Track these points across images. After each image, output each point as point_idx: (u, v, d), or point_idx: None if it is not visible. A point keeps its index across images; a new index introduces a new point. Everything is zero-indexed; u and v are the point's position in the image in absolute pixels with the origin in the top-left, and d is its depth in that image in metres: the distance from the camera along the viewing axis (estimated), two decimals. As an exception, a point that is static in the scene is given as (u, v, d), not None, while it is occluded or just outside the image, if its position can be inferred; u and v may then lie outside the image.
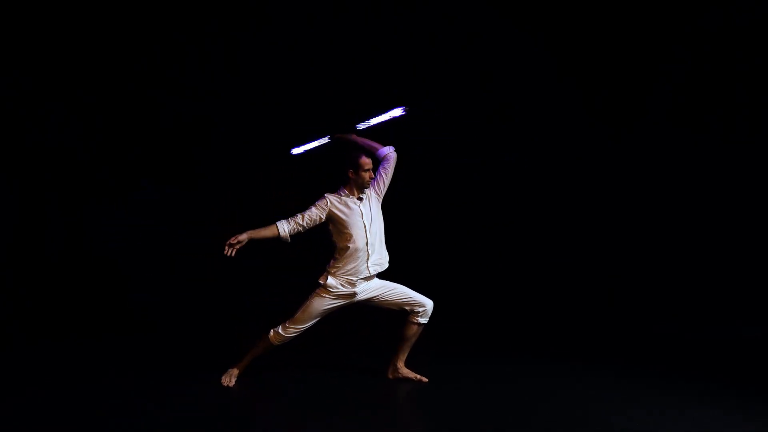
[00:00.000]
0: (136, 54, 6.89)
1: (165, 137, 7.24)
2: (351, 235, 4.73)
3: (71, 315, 6.90)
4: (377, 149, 4.90)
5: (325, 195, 4.83)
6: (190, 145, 7.34)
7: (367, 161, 4.78)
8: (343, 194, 4.83)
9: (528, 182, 7.98)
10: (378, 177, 4.87)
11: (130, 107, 7.00)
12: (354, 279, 4.77)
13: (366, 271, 4.78)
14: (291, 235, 4.72)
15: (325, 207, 4.78)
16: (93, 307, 7.05)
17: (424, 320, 4.88)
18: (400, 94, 5.71)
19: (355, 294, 4.80)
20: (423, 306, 4.86)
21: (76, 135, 6.97)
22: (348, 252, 4.74)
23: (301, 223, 4.72)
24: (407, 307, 4.86)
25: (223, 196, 7.59)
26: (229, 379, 4.91)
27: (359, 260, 4.76)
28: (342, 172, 4.81)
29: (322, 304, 4.79)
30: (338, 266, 4.77)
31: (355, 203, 4.81)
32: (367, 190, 4.86)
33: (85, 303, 7.05)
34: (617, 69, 7.14)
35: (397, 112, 4.86)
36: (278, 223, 4.71)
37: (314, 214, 4.75)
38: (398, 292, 4.87)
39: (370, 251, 4.77)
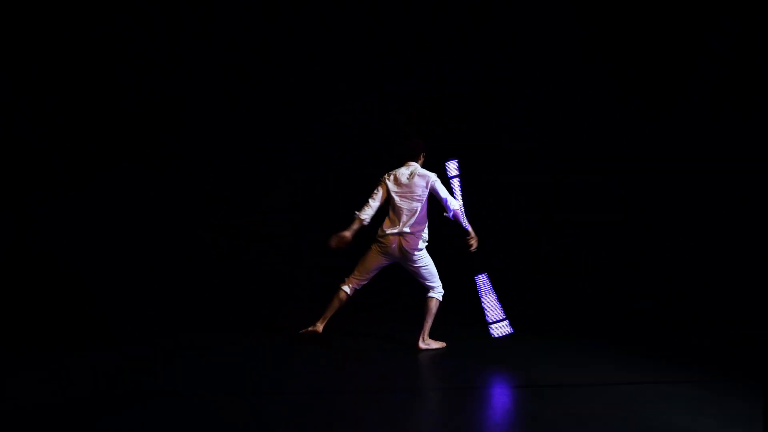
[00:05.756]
0: (94, 22, 6.48)
1: (128, 121, 6.84)
2: None
3: (20, 323, 6.27)
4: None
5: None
6: (157, 131, 6.98)
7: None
8: None
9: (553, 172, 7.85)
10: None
11: (87, 85, 6.62)
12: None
13: None
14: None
15: None
16: (46, 314, 6.43)
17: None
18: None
19: None
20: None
21: (24, 117, 6.54)
22: None
23: None
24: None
25: (196, 188, 7.27)
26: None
27: None
28: (414, 153, 5.53)
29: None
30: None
31: None
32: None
33: (37, 309, 6.50)
34: (653, 42, 7.01)
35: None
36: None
37: None
38: None
39: None
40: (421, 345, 5.51)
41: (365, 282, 5.60)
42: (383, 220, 5.51)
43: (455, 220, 5.49)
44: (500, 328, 5.51)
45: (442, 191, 5.45)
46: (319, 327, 5.59)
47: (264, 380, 4.75)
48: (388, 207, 5.53)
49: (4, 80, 6.48)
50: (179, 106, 7.09)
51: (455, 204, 5.47)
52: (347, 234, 5.38)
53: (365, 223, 5.46)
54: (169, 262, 7.31)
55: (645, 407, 4.23)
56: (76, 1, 6.53)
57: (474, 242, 5.48)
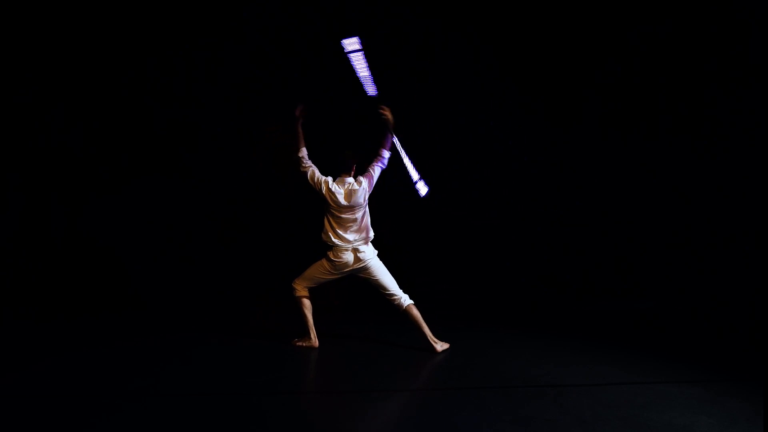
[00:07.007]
0: (130, 66, 7.90)
1: (155, 139, 8.09)
2: None
3: (73, 294, 7.57)
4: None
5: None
6: (178, 147, 8.14)
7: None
8: None
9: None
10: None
11: (124, 113, 7.98)
12: None
13: None
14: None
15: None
16: (93, 287, 7.74)
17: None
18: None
19: None
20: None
21: (77, 137, 7.84)
22: None
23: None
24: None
25: (207, 191, 8.18)
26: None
27: None
28: (345, 165, 5.48)
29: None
30: None
31: None
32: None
33: (85, 283, 7.76)
34: (558, 79, 8.23)
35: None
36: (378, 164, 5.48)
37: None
38: None
39: None
40: (438, 348, 5.49)
41: (314, 286, 5.62)
42: (323, 228, 5.49)
43: (386, 136, 5.39)
44: (423, 187, 5.34)
45: (375, 173, 5.43)
46: (314, 341, 5.59)
47: (264, 380, 4.73)
48: (325, 214, 5.48)
49: (65, 111, 7.77)
50: (195, 129, 8.08)
51: (383, 156, 5.43)
52: (299, 127, 5.53)
53: (301, 153, 5.53)
54: (170, 263, 7.87)
55: (645, 407, 4.21)
56: (115, 53, 7.75)
57: (387, 112, 5.34)
